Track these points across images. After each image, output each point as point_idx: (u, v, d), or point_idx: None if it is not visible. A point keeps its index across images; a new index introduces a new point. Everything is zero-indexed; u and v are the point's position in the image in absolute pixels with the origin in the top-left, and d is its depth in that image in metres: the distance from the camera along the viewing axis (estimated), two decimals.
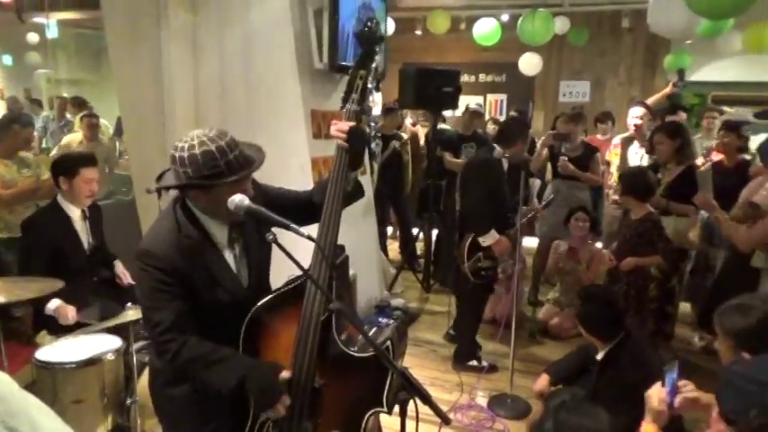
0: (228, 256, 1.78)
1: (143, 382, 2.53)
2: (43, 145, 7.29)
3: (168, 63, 3.91)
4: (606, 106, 7.94)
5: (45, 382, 2.48)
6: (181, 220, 1.72)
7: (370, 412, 1.70)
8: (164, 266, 1.65)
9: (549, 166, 5.12)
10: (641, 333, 3.27)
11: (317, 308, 1.69)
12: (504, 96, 9.08)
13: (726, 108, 6.84)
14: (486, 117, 7.42)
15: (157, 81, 3.97)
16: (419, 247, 6.11)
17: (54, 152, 6.05)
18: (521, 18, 6.59)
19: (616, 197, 4.60)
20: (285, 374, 1.62)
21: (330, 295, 1.67)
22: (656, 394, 1.61)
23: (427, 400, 1.47)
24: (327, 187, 1.81)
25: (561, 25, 7.05)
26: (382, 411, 1.69)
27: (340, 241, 1.82)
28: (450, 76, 5.13)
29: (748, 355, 1.74)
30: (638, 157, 4.72)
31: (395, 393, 1.64)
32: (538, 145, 5.34)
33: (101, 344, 2.63)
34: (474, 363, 3.94)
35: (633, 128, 4.84)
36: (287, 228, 1.55)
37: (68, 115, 7.40)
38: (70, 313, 2.79)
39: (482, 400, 3.59)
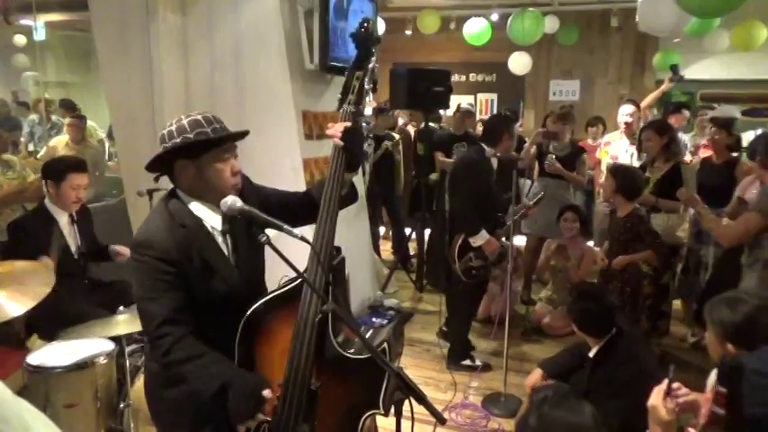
0: (222, 245, 1.78)
1: (137, 386, 2.53)
2: (30, 148, 7.21)
3: (158, 65, 3.89)
4: (596, 104, 8.00)
5: (37, 387, 2.45)
6: (174, 210, 1.72)
7: (366, 414, 1.70)
8: (159, 255, 1.65)
9: (536, 164, 5.15)
10: (635, 330, 3.29)
11: (313, 309, 1.68)
12: (494, 96, 9.10)
13: (714, 105, 6.91)
14: (478, 117, 7.45)
15: (147, 83, 3.95)
16: (412, 246, 6.12)
17: (41, 154, 6.01)
18: (510, 17, 6.62)
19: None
20: (267, 393, 1.60)
21: (325, 297, 1.66)
22: (660, 404, 1.58)
23: (422, 399, 1.47)
24: (324, 187, 1.81)
25: (551, 24, 7.08)
26: (379, 413, 1.69)
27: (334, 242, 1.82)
28: (440, 75, 5.14)
29: (732, 347, 1.78)
30: (627, 154, 4.75)
31: (391, 394, 1.64)
32: (527, 143, 5.37)
33: (93, 347, 2.61)
34: (468, 362, 3.95)
35: (623, 126, 4.87)
36: (280, 229, 1.55)
37: (54, 117, 7.31)
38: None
39: (476, 399, 3.60)
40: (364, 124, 5.89)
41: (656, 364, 2.78)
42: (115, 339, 2.64)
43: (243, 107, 3.94)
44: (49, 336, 2.80)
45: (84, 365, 2.51)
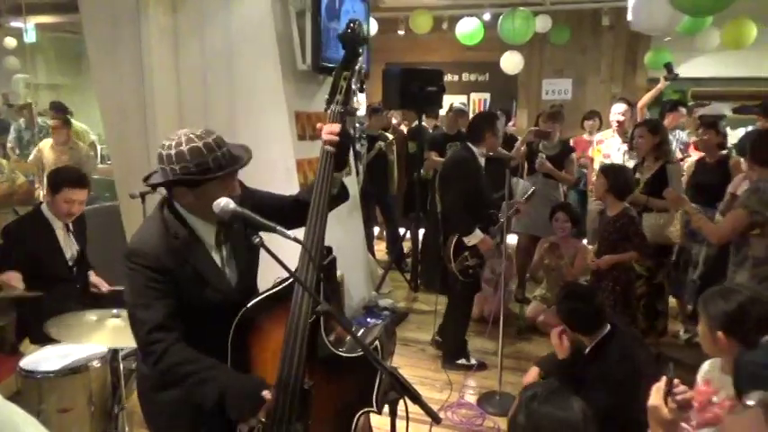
0: (216, 257, 1.78)
1: (132, 390, 2.51)
2: (17, 152, 7.11)
3: (149, 66, 3.87)
4: (588, 103, 8.02)
5: (30, 392, 2.44)
6: (168, 221, 1.72)
7: (360, 412, 1.70)
8: (152, 264, 1.65)
9: (525, 163, 5.15)
10: (630, 329, 3.30)
11: (305, 309, 1.69)
12: (487, 95, 9.12)
13: (706, 103, 6.95)
14: (470, 117, 7.45)
15: (138, 84, 3.93)
16: (406, 246, 6.12)
17: (31, 157, 5.96)
18: (501, 17, 6.63)
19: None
20: (266, 394, 1.60)
21: (317, 297, 1.66)
22: (662, 404, 1.56)
23: (417, 399, 1.47)
24: (313, 188, 1.81)
25: (542, 24, 7.09)
26: (372, 411, 1.70)
27: (327, 242, 1.82)
28: (433, 75, 5.15)
29: (722, 335, 1.82)
30: (620, 153, 4.77)
31: (384, 393, 1.64)
32: (518, 142, 5.38)
33: (86, 351, 2.59)
34: (463, 361, 3.95)
35: (615, 124, 4.88)
36: (273, 231, 1.55)
37: (41, 120, 7.17)
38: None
39: (472, 397, 3.61)
40: (358, 124, 5.88)
41: (651, 363, 2.79)
42: None
43: (235, 108, 3.93)
44: (42, 340, 2.79)
45: (77, 370, 2.49)
